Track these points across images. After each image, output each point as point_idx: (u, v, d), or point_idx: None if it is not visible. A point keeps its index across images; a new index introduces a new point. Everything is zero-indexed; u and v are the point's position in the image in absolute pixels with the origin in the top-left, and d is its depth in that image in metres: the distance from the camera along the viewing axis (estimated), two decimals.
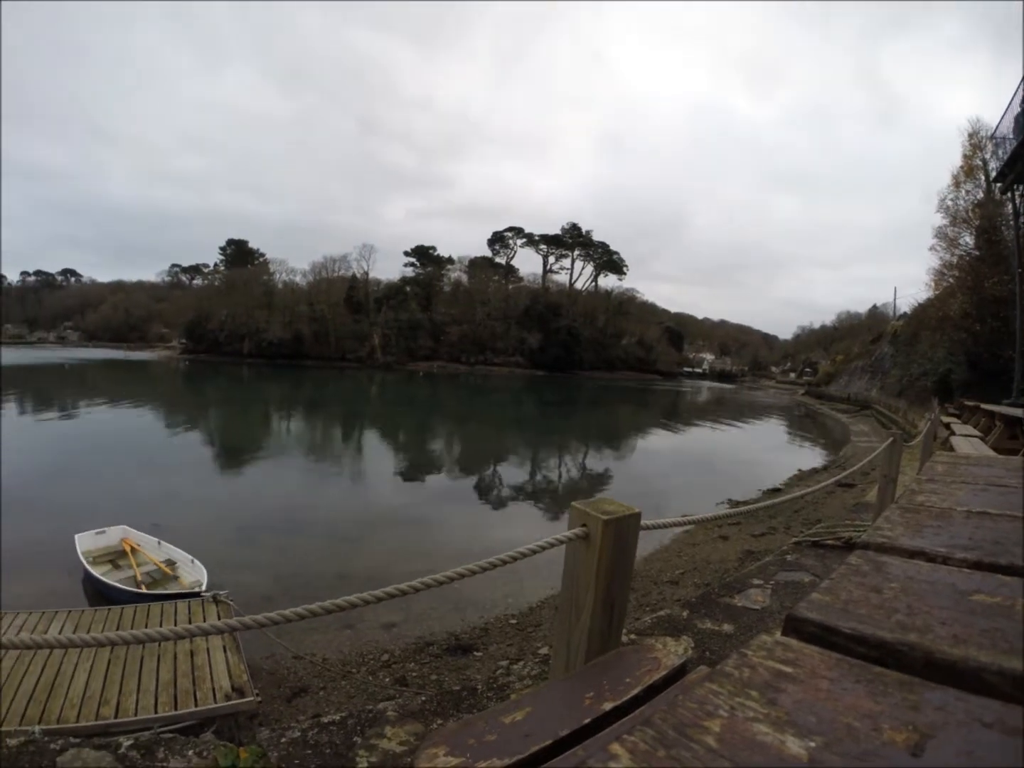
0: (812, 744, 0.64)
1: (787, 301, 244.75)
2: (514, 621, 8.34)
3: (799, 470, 21.22)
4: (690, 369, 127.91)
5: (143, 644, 5.57)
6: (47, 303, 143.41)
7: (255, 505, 14.51)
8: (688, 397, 72.29)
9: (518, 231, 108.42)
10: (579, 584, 1.93)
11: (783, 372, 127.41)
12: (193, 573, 9.03)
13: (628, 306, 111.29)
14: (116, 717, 4.94)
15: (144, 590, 8.45)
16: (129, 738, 1.87)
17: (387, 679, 6.62)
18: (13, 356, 78.82)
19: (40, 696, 5.13)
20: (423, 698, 2.57)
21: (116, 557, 9.85)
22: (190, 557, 9.39)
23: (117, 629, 6.38)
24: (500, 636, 7.86)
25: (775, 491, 17.13)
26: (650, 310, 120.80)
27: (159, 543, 10.08)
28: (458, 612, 8.70)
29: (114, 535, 10.34)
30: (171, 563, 9.48)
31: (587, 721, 1.29)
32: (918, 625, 0.93)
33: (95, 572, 8.90)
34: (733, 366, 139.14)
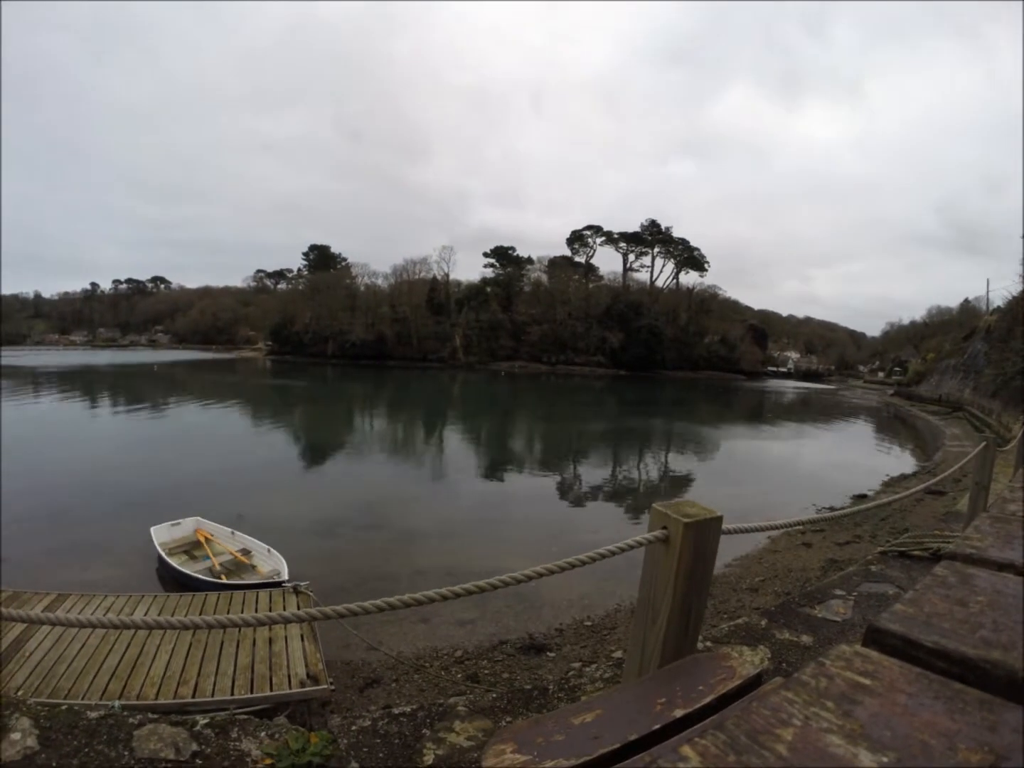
0: (884, 759, 0.63)
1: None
2: (589, 623, 8.29)
3: (887, 475, 20.25)
4: (774, 368, 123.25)
5: (224, 629, 5.86)
6: (139, 308, 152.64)
7: (337, 499, 14.99)
8: (772, 398, 70.03)
9: (597, 229, 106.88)
10: (657, 587, 1.92)
11: (871, 371, 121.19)
12: (270, 562, 9.28)
13: (710, 304, 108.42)
14: (194, 697, 5.20)
15: (223, 579, 8.73)
16: (205, 717, 1.98)
17: (459, 675, 6.72)
18: (107, 358, 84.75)
19: (122, 673, 5.45)
20: (494, 695, 2.60)
21: (191, 548, 10.19)
22: (266, 546, 9.62)
23: (199, 614, 6.72)
24: (574, 637, 7.83)
25: (862, 497, 16.42)
26: (732, 307, 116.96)
27: (232, 533, 10.34)
28: (534, 611, 8.71)
29: (188, 526, 10.68)
30: (246, 552, 9.74)
31: (657, 727, 1.29)
32: (1003, 642, 0.89)
33: (173, 563, 9.21)
34: (819, 365, 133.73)
